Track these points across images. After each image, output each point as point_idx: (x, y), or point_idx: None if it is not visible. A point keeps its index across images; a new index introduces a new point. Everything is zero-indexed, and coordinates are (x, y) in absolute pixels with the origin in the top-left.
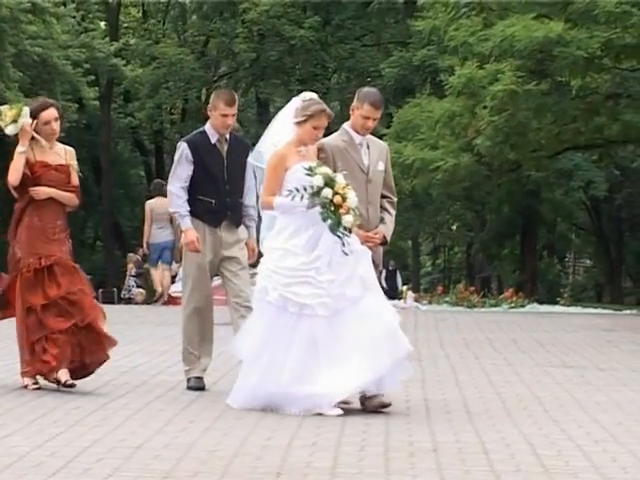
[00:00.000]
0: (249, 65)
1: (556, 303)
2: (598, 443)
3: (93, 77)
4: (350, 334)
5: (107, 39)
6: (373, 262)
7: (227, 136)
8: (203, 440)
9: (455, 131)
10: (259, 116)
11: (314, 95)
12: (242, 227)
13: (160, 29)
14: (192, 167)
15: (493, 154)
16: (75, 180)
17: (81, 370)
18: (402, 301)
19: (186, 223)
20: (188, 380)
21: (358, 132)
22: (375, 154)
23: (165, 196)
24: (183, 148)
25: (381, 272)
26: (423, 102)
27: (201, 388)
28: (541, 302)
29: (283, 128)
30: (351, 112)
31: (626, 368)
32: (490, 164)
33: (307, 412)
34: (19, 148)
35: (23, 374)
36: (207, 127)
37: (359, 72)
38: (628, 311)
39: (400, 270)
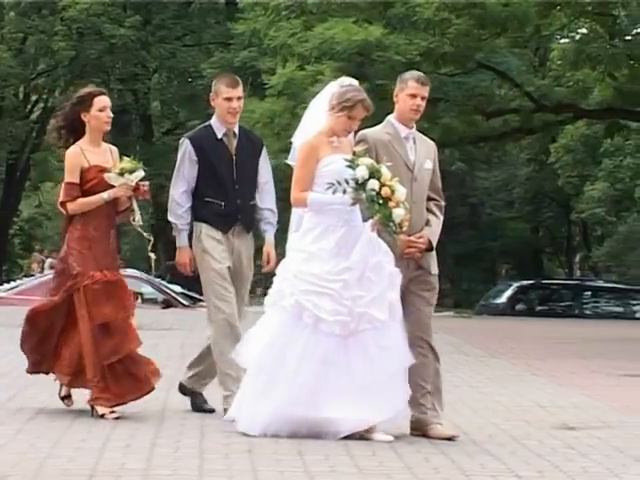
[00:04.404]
0: (68, 63)
1: None
2: (412, 444)
3: None
4: (368, 364)
5: None
6: (422, 267)
7: (236, 130)
8: (14, 443)
9: (275, 131)
10: None
11: (354, 81)
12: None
13: None
14: (197, 167)
15: None
16: None
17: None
18: None
19: (181, 240)
20: (225, 410)
21: (405, 124)
22: (422, 151)
23: None
24: (186, 146)
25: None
26: (244, 102)
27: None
28: None
29: (318, 117)
30: (395, 99)
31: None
32: None
33: (309, 436)
34: (104, 195)
35: (95, 401)
36: (213, 120)
37: (180, 72)
38: (445, 313)
39: None
